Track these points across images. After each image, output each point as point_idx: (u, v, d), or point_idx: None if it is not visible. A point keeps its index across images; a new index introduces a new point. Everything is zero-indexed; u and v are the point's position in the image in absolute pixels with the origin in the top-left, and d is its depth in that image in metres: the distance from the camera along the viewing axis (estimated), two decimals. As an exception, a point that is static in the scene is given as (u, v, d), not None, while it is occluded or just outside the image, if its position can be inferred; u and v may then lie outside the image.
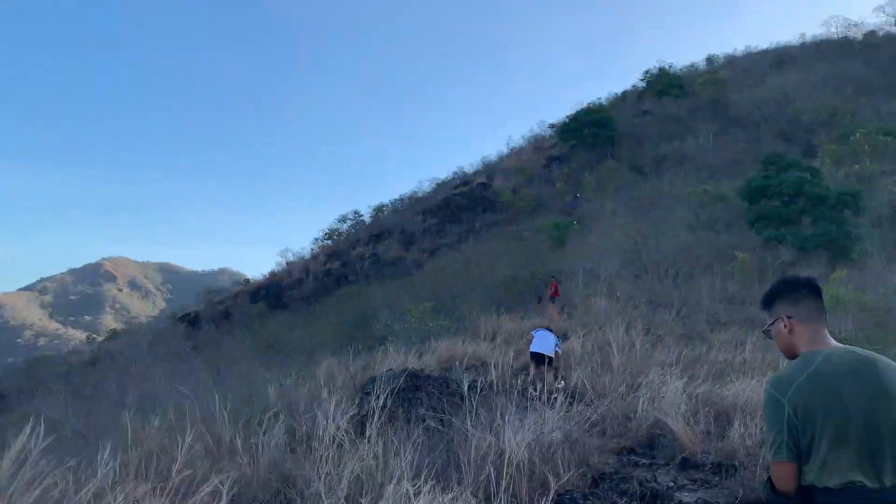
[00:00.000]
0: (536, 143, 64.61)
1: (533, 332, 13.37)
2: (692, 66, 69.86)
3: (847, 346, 2.69)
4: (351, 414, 6.93)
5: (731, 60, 70.60)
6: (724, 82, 57.71)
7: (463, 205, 50.33)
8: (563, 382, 11.41)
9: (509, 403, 7.65)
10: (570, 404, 8.71)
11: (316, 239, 61.00)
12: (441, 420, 8.41)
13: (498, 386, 9.60)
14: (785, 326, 2.81)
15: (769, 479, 2.68)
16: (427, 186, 64.95)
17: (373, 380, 9.72)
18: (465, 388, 8.00)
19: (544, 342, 12.68)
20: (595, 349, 13.66)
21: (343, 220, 61.83)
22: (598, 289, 22.08)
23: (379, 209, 62.87)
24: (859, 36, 66.52)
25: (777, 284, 2.95)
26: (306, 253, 59.68)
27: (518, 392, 9.18)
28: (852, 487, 2.45)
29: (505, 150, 67.62)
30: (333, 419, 6.29)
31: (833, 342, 2.73)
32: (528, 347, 15.22)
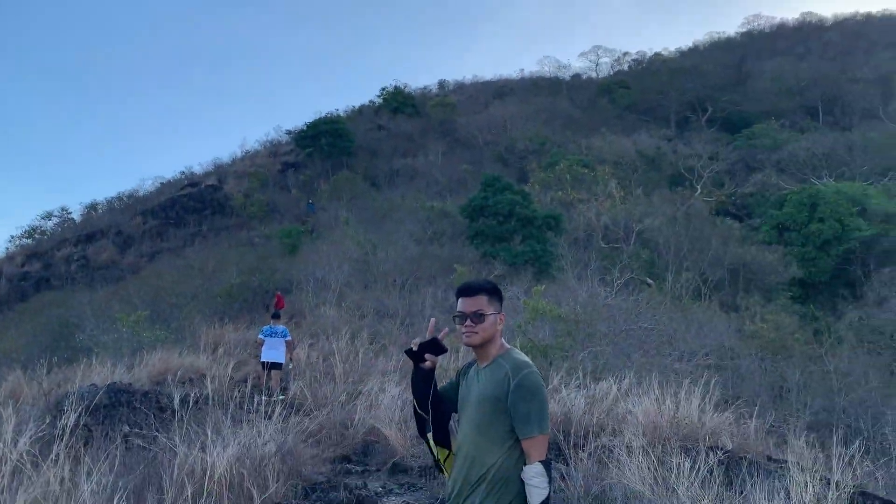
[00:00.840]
0: (272, 148, 63.36)
1: (261, 335, 13.26)
2: (425, 88, 73.58)
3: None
4: (39, 435, 6.20)
5: (460, 87, 75.58)
6: (453, 106, 61.68)
7: (190, 207, 47.60)
8: (283, 395, 11.27)
9: (224, 417, 7.37)
10: (290, 415, 8.63)
11: (12, 237, 53.56)
12: (147, 437, 7.85)
13: (214, 399, 9.19)
14: (500, 322, 3.14)
15: (548, 461, 2.90)
16: (150, 185, 60.47)
17: (68, 396, 8.76)
18: (177, 402, 7.55)
19: (274, 349, 12.84)
20: (320, 359, 13.71)
21: (48, 216, 55.14)
22: (328, 298, 22.22)
23: (92, 207, 57.13)
24: (567, 77, 75.20)
25: (496, 286, 3.26)
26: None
27: (236, 404, 8.87)
28: None
29: (238, 153, 65.33)
30: (13, 442, 5.57)
31: None
32: (252, 357, 14.88)
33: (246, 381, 12.28)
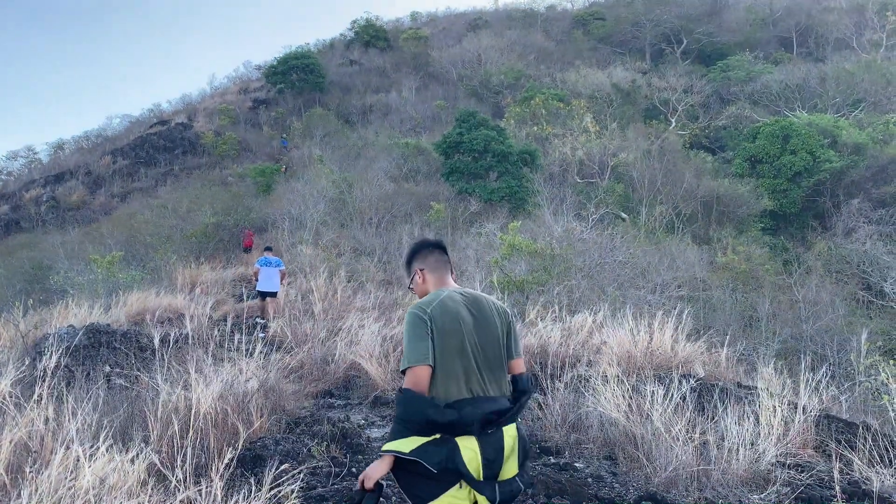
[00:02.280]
0: (242, 85, 62.06)
1: (258, 264, 13.83)
2: (398, 20, 71.97)
3: (462, 287, 3.43)
4: (19, 377, 6.21)
5: (433, 19, 74.02)
6: (426, 39, 60.47)
7: (160, 146, 46.68)
8: (264, 332, 11.36)
9: (205, 356, 7.42)
10: (271, 353, 8.71)
11: (-23, 179, 52.48)
12: (129, 377, 7.90)
13: (194, 338, 9.22)
14: (419, 277, 3.48)
15: (402, 389, 3.06)
16: (118, 124, 59.17)
17: (47, 338, 8.75)
18: (157, 341, 7.57)
19: (270, 279, 13.53)
20: (298, 297, 13.76)
21: (13, 157, 53.97)
22: (304, 236, 22.15)
23: (59, 147, 55.89)
24: (542, 8, 73.80)
25: (412, 247, 3.63)
26: (-35, 195, 51.04)
27: (216, 343, 8.92)
28: (469, 396, 3.07)
29: (208, 90, 63.91)
30: (-6, 384, 5.57)
31: (454, 284, 3.47)
32: (230, 296, 14.98)
33: (225, 319, 12.33)
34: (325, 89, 52.45)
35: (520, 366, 3.37)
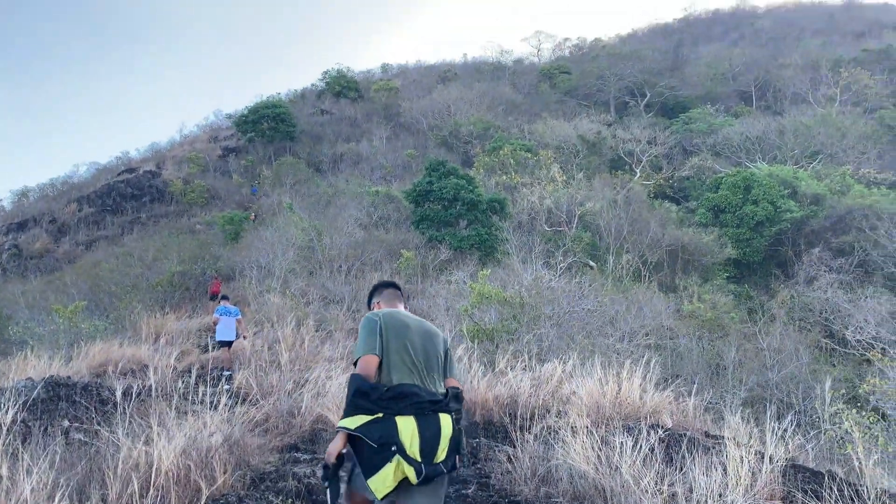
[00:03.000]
0: (212, 133, 62.10)
1: (217, 313, 14.08)
2: (368, 72, 72.99)
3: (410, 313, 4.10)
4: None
5: (404, 71, 75.25)
6: (397, 90, 61.37)
7: (128, 194, 46.25)
8: (228, 384, 11.16)
9: (168, 409, 7.26)
10: (236, 405, 8.54)
11: (-62, 225, 51.28)
12: (88, 432, 7.68)
13: (157, 391, 9.03)
14: (377, 308, 4.18)
15: (355, 375, 3.54)
16: (85, 171, 58.63)
17: (3, 392, 8.48)
18: (119, 394, 7.39)
19: (229, 328, 13.82)
20: (265, 347, 13.58)
21: (-24, 204, 52.98)
22: (272, 285, 21.97)
23: (23, 194, 55.05)
24: (510, 62, 75.53)
25: (371, 288, 4.48)
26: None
27: (180, 395, 8.74)
28: (408, 384, 3.60)
29: (177, 138, 63.78)
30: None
31: (405, 311, 4.11)
32: (195, 346, 14.78)
33: (190, 371, 12.09)
34: (295, 138, 52.71)
35: (455, 382, 3.93)
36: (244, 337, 14.17)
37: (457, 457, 3.67)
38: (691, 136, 47.09)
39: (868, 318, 20.20)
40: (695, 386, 9.05)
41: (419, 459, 3.41)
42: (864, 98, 51.68)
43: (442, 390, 3.77)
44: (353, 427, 3.39)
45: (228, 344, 13.73)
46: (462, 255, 27.29)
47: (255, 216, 36.05)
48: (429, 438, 3.46)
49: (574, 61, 73.06)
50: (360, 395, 3.44)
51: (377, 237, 28.85)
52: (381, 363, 3.62)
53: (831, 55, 60.19)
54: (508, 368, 9.93)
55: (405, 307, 4.25)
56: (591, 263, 28.85)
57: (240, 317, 14.26)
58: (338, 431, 3.44)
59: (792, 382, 15.50)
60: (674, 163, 44.47)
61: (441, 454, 3.51)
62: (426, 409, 3.52)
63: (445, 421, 3.59)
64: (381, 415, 3.42)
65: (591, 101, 60.81)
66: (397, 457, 3.37)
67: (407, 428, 3.42)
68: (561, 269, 21.08)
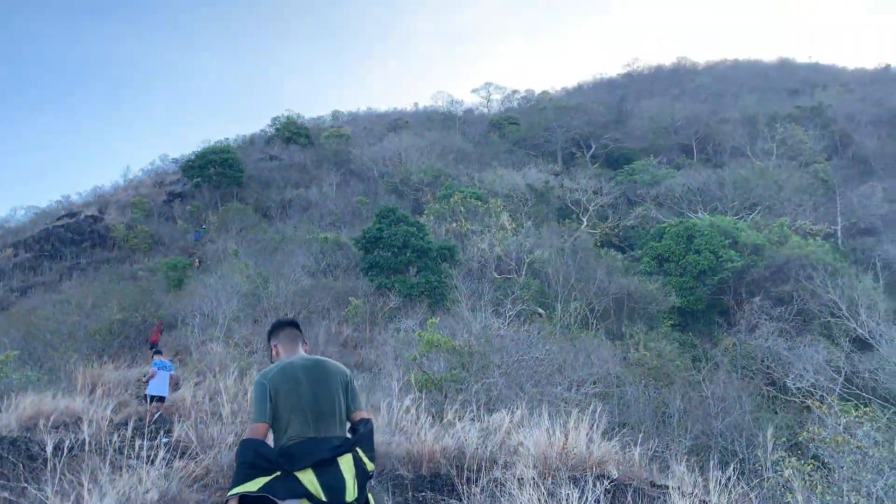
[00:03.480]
0: (158, 178, 61.20)
1: (154, 366, 13.92)
2: (319, 118, 73.28)
3: (310, 355, 4.27)
4: None
5: (355, 118, 75.82)
6: (348, 137, 61.69)
7: (67, 239, 44.96)
8: (168, 436, 10.78)
9: (102, 464, 6.96)
10: (174, 459, 8.24)
11: None
12: (15, 490, 7.29)
13: (91, 445, 8.66)
14: (274, 351, 4.40)
15: (245, 440, 3.76)
16: (23, 216, 56.96)
17: (-77, 448, 8.02)
18: (49, 449, 7.07)
19: (164, 382, 13.69)
20: (206, 398, 13.19)
21: None
22: (215, 334, 21.48)
23: (-44, 238, 53.05)
24: (460, 112, 76.88)
25: (269, 326, 4.59)
26: None
27: (115, 450, 8.40)
28: (302, 438, 3.80)
29: (121, 182, 62.62)
30: None
31: (302, 353, 4.32)
32: (134, 397, 14.32)
33: (127, 423, 11.64)
34: (243, 184, 52.28)
35: (361, 415, 4.17)
36: (175, 388, 14.06)
37: (368, 484, 3.90)
38: (635, 187, 48.34)
39: (807, 367, 20.73)
40: (641, 435, 9.10)
41: (328, 500, 3.59)
42: (798, 152, 53.97)
43: (340, 433, 3.97)
44: (255, 489, 3.49)
45: (161, 399, 13.55)
46: (412, 303, 27.21)
47: (200, 262, 35.40)
48: (334, 487, 3.63)
49: (523, 112, 74.70)
50: (257, 457, 3.61)
51: (325, 284, 28.59)
52: (275, 424, 3.85)
53: (767, 111, 62.91)
54: (456, 419, 9.84)
55: (304, 346, 4.40)
56: (540, 311, 29.04)
57: (174, 372, 14.21)
58: (228, 500, 3.51)
59: (735, 430, 15.71)
60: (619, 212, 45.50)
61: (350, 494, 3.67)
62: (324, 462, 3.68)
63: (346, 464, 3.75)
64: (279, 473, 3.59)
65: (539, 151, 62.09)
66: (305, 501, 3.55)
67: (308, 481, 3.60)
68: (510, 316, 21.17)
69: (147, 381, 13.77)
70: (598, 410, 9.05)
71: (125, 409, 13.78)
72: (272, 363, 4.25)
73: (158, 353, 15.03)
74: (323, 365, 4.14)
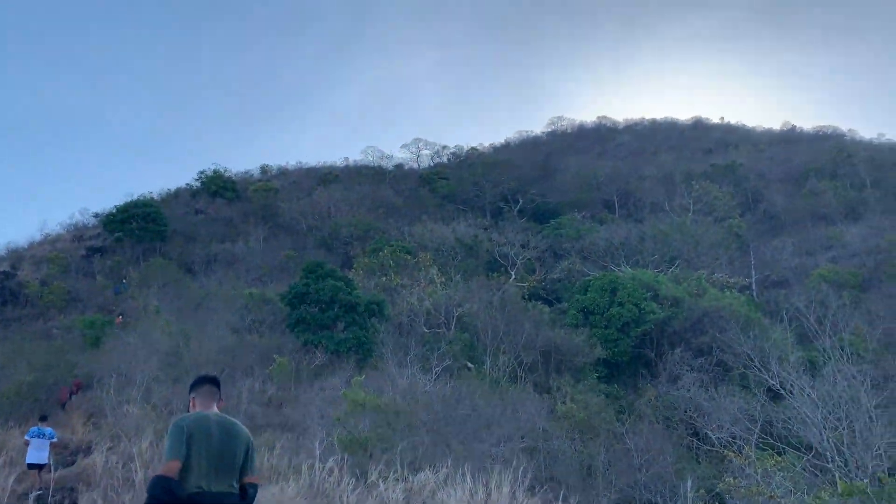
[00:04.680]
0: (77, 232, 58.97)
1: (28, 435, 13.46)
2: (247, 172, 72.50)
3: (221, 414, 4.72)
4: None
5: (284, 172, 75.38)
6: (276, 191, 61.20)
7: (-25, 295, 42.71)
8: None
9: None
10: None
11: None
12: None
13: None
14: (192, 404, 4.83)
15: (158, 476, 4.25)
16: (-73, 271, 53.76)
17: None
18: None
19: (42, 450, 13.15)
20: (119, 464, 12.61)
21: None
22: (132, 395, 20.63)
23: None
24: (390, 166, 77.52)
25: (194, 379, 5.06)
26: None
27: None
28: (202, 489, 4.25)
29: (37, 237, 60.09)
30: None
31: (215, 410, 4.75)
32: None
33: (28, 494, 11.02)
34: (167, 238, 50.99)
35: (253, 479, 4.64)
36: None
37: None
38: (561, 241, 49.50)
39: (725, 417, 21.30)
40: (566, 489, 9.17)
41: None
42: (713, 208, 56.47)
43: (234, 489, 4.46)
44: None
45: (39, 468, 13.01)
46: (339, 359, 26.85)
47: (122, 317, 34.13)
48: None
49: (452, 168, 75.87)
50: (165, 493, 4.10)
51: (249, 342, 27.95)
52: (183, 466, 4.24)
53: (683, 169, 65.84)
54: (381, 480, 9.71)
55: (219, 403, 4.87)
56: (469, 365, 29.07)
57: (55, 440, 13.71)
58: None
59: (659, 481, 15.97)
60: (546, 265, 46.37)
61: None
62: None
63: None
64: None
65: (468, 205, 63.04)
66: None
67: None
68: (437, 372, 21.14)
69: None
70: (523, 467, 9.09)
71: (29, 478, 13.04)
72: (191, 411, 4.75)
73: (43, 419, 14.57)
74: (234, 426, 4.65)
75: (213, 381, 4.96)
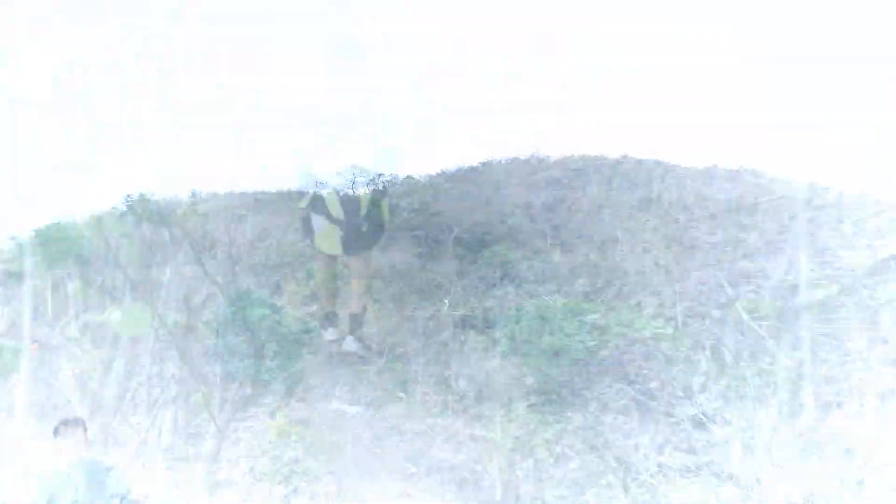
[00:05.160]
0: (-10, 255, 56.18)
1: None
2: (175, 197, 70.76)
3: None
4: None
5: (214, 196, 73.93)
6: (206, 215, 59.96)
7: None
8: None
9: None
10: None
11: None
12: None
13: None
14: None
15: None
16: None
17: None
18: None
19: None
20: None
21: None
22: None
23: None
24: (324, 193, 77.16)
25: (57, 424, 4.55)
26: None
27: None
28: None
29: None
30: None
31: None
32: None
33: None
34: (88, 263, 49.13)
35: None
36: None
37: None
38: (494, 270, 49.85)
39: (652, 446, 21.38)
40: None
41: None
42: (641, 240, 57.90)
43: None
44: None
45: None
46: (265, 389, 26.05)
47: (37, 345, 32.46)
48: None
49: (388, 196, 75.85)
50: None
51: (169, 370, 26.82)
52: None
53: (614, 201, 67.40)
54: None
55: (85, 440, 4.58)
56: (401, 394, 28.50)
57: None
58: None
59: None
60: (478, 294, 46.54)
61: None
62: None
63: None
64: None
65: (404, 232, 63.12)
66: None
67: None
68: (367, 401, 20.55)
69: None
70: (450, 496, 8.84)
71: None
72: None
73: None
74: (99, 468, 4.42)
75: (79, 423, 4.56)
